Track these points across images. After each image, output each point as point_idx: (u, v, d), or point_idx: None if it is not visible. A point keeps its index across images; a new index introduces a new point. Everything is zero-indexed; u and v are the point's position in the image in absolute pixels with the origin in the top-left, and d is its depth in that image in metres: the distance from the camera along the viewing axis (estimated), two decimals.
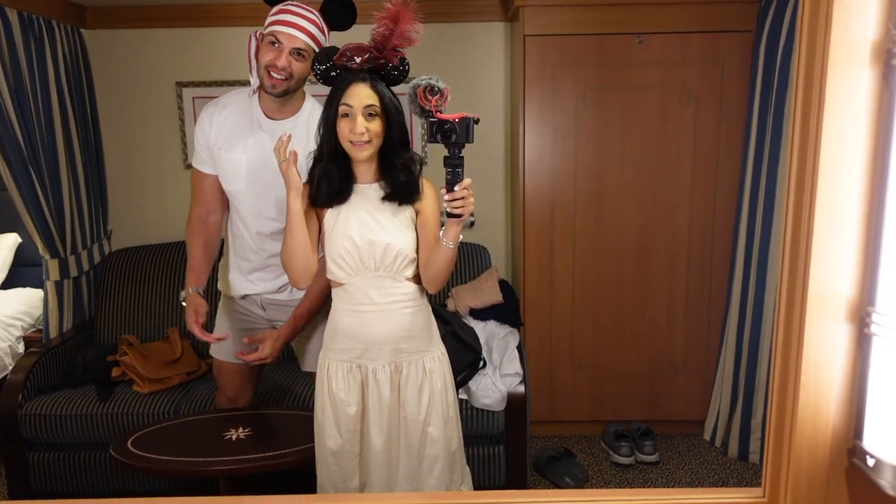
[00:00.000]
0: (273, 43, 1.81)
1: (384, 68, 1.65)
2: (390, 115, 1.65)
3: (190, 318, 2.00)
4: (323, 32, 1.87)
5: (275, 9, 1.85)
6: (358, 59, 1.63)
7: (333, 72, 1.66)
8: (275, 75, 1.82)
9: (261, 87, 1.89)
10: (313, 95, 2.02)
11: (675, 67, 2.84)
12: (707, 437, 3.06)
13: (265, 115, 1.94)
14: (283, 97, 1.88)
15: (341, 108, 1.62)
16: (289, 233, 1.66)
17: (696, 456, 2.96)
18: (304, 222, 1.67)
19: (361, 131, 1.60)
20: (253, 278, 2.09)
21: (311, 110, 1.96)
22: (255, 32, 1.89)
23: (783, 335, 0.83)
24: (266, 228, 2.01)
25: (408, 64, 1.67)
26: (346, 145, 1.64)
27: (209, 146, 1.99)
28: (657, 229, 2.96)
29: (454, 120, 1.55)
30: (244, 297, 2.14)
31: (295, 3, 1.85)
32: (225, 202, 2.08)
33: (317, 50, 1.83)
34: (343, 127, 1.62)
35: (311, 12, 1.84)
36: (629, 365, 3.07)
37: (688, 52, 2.82)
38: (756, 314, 2.73)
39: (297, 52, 1.82)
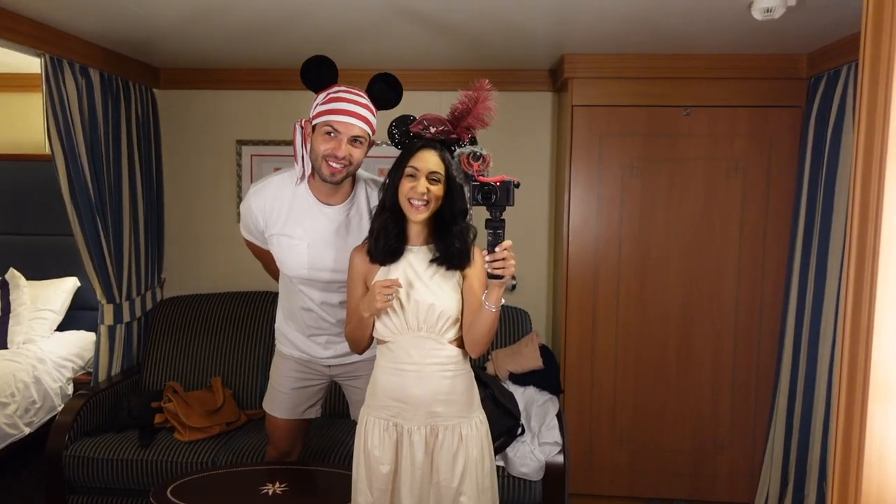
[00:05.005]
0: (329, 133, 1.79)
1: (455, 143, 1.74)
2: (452, 184, 1.71)
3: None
4: (374, 115, 1.87)
5: (324, 96, 1.83)
6: (433, 130, 1.73)
7: (406, 138, 1.76)
8: (334, 164, 1.80)
9: (314, 175, 1.89)
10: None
11: (722, 140, 2.86)
12: None
13: (319, 200, 1.92)
14: (340, 183, 1.89)
15: (408, 170, 1.69)
16: (356, 327, 1.79)
17: None
18: (369, 322, 1.76)
19: (423, 191, 1.67)
20: (326, 343, 2.09)
21: (365, 189, 1.97)
22: (300, 121, 1.88)
23: (844, 422, 0.81)
24: (334, 300, 2.02)
25: (476, 142, 1.74)
26: (404, 204, 1.70)
27: (261, 231, 2.00)
28: (702, 301, 2.91)
29: (495, 183, 1.61)
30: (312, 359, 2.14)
31: (344, 88, 1.83)
32: None
33: (371, 134, 1.86)
34: (405, 186, 1.69)
35: (363, 97, 1.84)
36: (672, 440, 2.97)
37: (736, 126, 2.85)
38: (808, 393, 2.63)
39: (355, 139, 1.81)
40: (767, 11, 2.06)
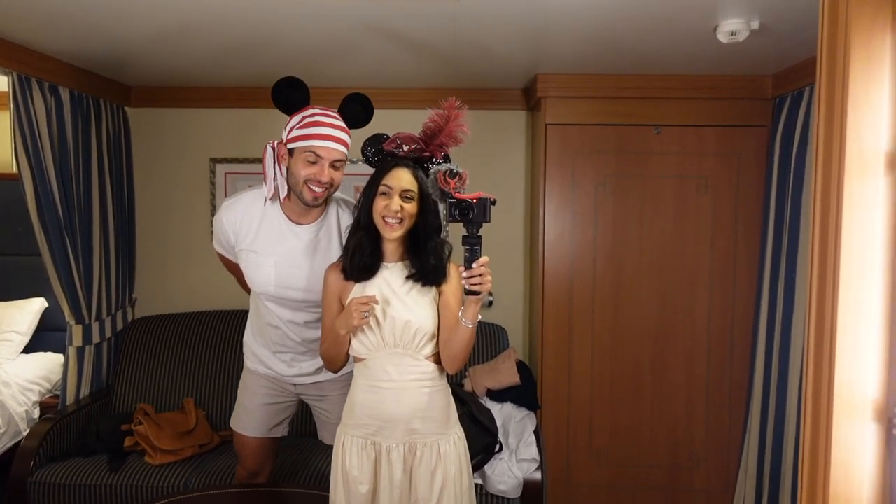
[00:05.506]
0: (311, 160, 1.79)
1: (428, 160, 1.75)
2: (426, 201, 1.73)
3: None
4: (350, 135, 1.87)
5: (299, 119, 1.82)
6: (406, 148, 1.75)
7: (378, 157, 1.78)
8: (317, 189, 1.81)
9: (290, 196, 1.88)
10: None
11: (691, 158, 2.92)
12: None
13: (290, 219, 1.92)
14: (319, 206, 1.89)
15: (381, 188, 1.70)
16: (332, 346, 1.77)
17: None
18: (345, 339, 1.74)
19: (396, 209, 1.68)
20: (290, 361, 2.08)
21: (336, 209, 1.97)
22: (273, 143, 1.88)
23: (810, 437, 0.83)
24: (299, 319, 2.01)
25: (449, 160, 1.76)
26: (378, 222, 1.71)
27: (232, 245, 2.00)
28: (675, 315, 2.95)
29: (472, 200, 1.63)
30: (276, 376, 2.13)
31: (320, 111, 1.83)
32: None
33: (347, 153, 1.88)
34: (379, 204, 1.70)
35: (339, 119, 1.85)
36: (648, 455, 2.99)
37: (704, 144, 2.91)
38: (779, 406, 2.67)
39: (335, 162, 1.82)
40: (732, 35, 2.12)
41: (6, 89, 2.46)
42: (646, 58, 2.56)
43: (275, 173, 1.87)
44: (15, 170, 2.54)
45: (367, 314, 1.66)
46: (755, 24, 2.08)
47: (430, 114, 1.76)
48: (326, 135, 1.80)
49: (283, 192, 1.89)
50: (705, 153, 2.91)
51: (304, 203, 1.86)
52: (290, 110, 1.86)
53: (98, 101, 2.91)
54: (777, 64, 2.64)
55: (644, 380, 2.98)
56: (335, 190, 1.89)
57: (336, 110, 1.88)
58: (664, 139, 2.92)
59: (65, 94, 2.67)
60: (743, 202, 2.92)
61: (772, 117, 2.84)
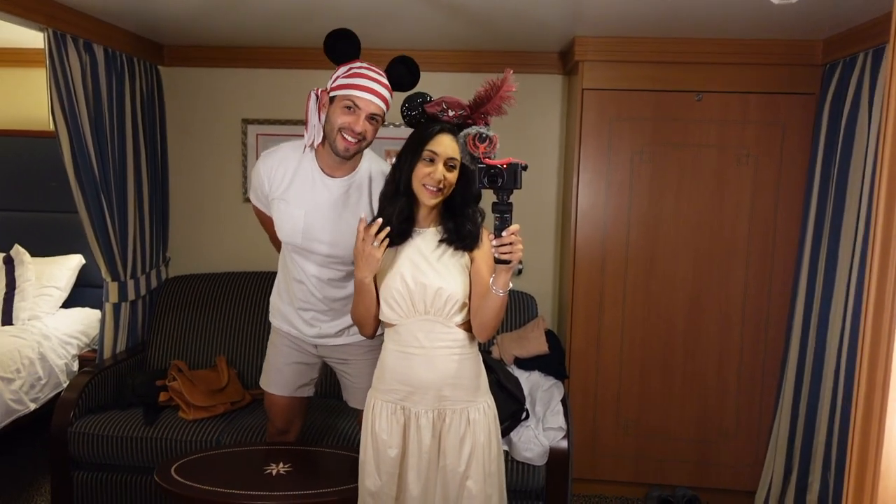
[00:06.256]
0: (349, 107, 1.80)
1: (468, 126, 1.71)
2: (466, 169, 1.70)
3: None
4: (392, 95, 1.88)
5: (346, 69, 1.84)
6: (451, 113, 1.70)
7: (422, 118, 1.74)
8: (349, 138, 1.81)
9: (323, 145, 1.90)
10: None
11: (733, 126, 2.82)
12: None
13: (323, 171, 1.94)
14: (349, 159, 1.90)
15: (426, 153, 1.66)
16: (359, 301, 1.76)
17: None
18: (372, 291, 1.73)
19: (440, 178, 1.65)
20: (311, 319, 2.10)
21: (369, 167, 1.97)
22: (317, 90, 1.89)
23: (862, 419, 0.79)
24: (324, 275, 2.02)
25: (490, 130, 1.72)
26: (417, 187, 1.68)
27: (266, 194, 2.02)
28: (710, 288, 2.90)
29: (502, 165, 1.57)
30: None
31: (367, 66, 1.84)
32: None
33: (385, 113, 1.87)
34: (421, 170, 1.66)
35: (383, 76, 1.85)
36: (677, 427, 2.97)
37: (747, 112, 2.80)
38: (814, 383, 2.62)
39: (372, 117, 1.83)
40: None
41: (40, 46, 2.46)
42: (690, 20, 2.46)
43: (315, 121, 1.89)
44: (52, 127, 2.56)
45: (377, 244, 1.63)
46: None
47: (468, 77, 1.72)
48: (367, 87, 1.80)
49: (319, 138, 1.90)
50: (748, 122, 2.81)
51: (335, 153, 1.86)
52: (339, 61, 1.87)
53: (132, 60, 2.91)
54: (830, 28, 2.51)
55: (675, 352, 2.94)
56: (367, 145, 1.88)
57: (382, 70, 1.87)
58: (705, 106, 2.82)
59: (99, 52, 2.67)
60: (786, 174, 2.82)
61: (820, 85, 2.71)
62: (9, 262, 3.36)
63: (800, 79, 2.76)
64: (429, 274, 1.69)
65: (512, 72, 1.71)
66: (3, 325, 3.25)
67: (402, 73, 1.89)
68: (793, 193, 2.82)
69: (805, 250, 2.70)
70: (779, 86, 2.77)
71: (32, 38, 2.61)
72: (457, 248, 1.71)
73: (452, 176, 1.68)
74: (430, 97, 1.75)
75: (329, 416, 2.73)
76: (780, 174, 2.82)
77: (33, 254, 3.45)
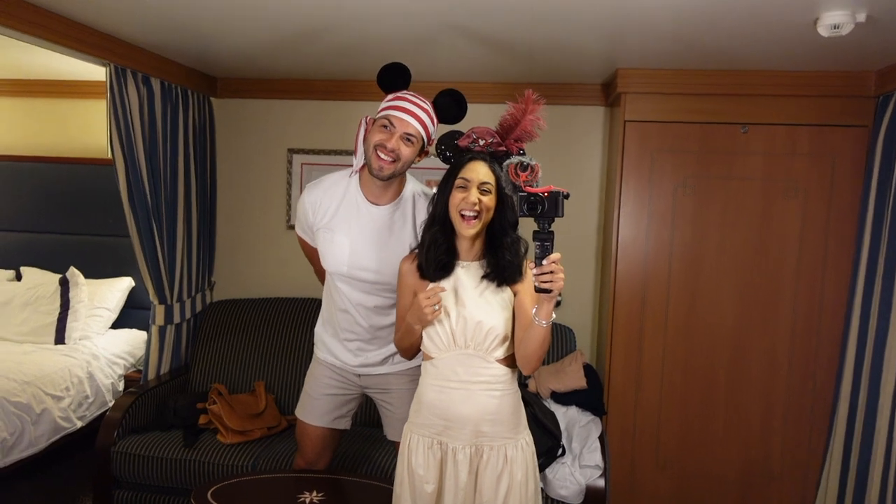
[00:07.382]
0: (385, 126, 1.85)
1: (504, 156, 1.73)
2: (503, 195, 1.70)
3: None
4: (434, 124, 1.92)
5: (391, 96, 1.90)
6: (482, 143, 1.73)
7: (456, 153, 1.77)
8: (383, 156, 1.84)
9: (365, 168, 1.93)
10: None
11: (781, 159, 2.75)
12: None
13: (367, 199, 1.96)
14: (387, 181, 1.91)
15: (458, 181, 1.68)
16: (404, 335, 1.79)
17: None
18: (418, 332, 1.75)
19: (474, 201, 1.65)
20: (356, 350, 2.10)
21: (411, 197, 1.98)
22: (367, 118, 1.94)
23: None
24: (369, 302, 2.03)
25: (524, 154, 1.73)
26: (454, 217, 1.68)
27: (310, 225, 2.05)
28: (756, 325, 2.80)
29: (543, 194, 1.57)
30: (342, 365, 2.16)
31: (410, 93, 1.90)
32: None
33: (425, 139, 1.90)
34: (456, 197, 1.67)
35: (426, 102, 1.90)
36: (718, 468, 2.86)
37: (796, 145, 2.74)
38: (868, 424, 2.50)
39: (407, 138, 1.85)
40: (834, 28, 1.98)
41: (101, 78, 2.59)
42: (736, 53, 2.43)
43: (362, 147, 1.93)
44: (109, 155, 2.68)
45: (436, 307, 1.65)
46: (861, 17, 1.93)
47: (505, 108, 1.74)
48: (404, 108, 1.85)
49: (361, 161, 1.93)
50: (796, 154, 2.74)
51: (371, 173, 1.89)
52: (389, 90, 1.93)
53: (186, 92, 3.03)
54: (882, 59, 2.44)
55: (718, 389, 2.85)
56: (402, 168, 1.88)
57: (428, 100, 1.92)
58: (751, 139, 2.76)
59: (156, 85, 2.79)
60: (836, 208, 2.73)
61: (873, 117, 2.64)
62: (64, 283, 3.50)
63: (851, 111, 2.68)
64: (470, 308, 1.69)
65: (533, 92, 1.71)
66: (56, 343, 3.38)
67: (448, 104, 1.93)
68: (844, 228, 2.72)
69: (857, 288, 2.59)
70: (829, 118, 2.70)
71: (88, 71, 2.75)
72: (500, 284, 1.71)
73: (488, 200, 1.67)
74: (463, 133, 1.78)
75: (364, 444, 2.72)
76: (831, 208, 2.74)
77: (86, 275, 3.58)
